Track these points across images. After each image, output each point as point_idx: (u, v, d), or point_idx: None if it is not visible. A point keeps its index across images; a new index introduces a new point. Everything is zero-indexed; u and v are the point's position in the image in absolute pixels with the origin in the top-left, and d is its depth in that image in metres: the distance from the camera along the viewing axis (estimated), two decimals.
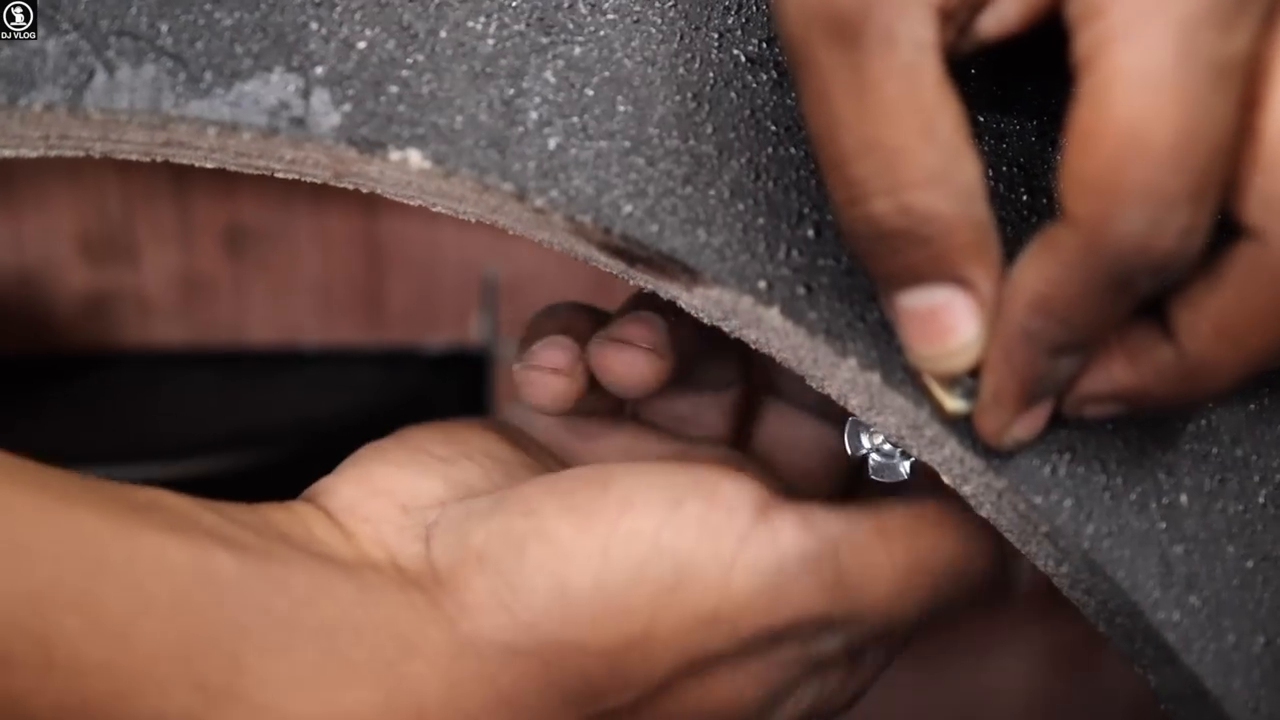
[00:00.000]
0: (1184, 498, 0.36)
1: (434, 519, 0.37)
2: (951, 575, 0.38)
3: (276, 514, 0.36)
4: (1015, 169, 0.38)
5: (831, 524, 0.37)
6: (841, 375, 0.36)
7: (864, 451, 0.39)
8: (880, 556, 0.37)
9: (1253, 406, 0.38)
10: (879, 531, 0.37)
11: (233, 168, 0.37)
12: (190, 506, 0.34)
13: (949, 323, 0.33)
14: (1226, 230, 0.31)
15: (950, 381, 0.34)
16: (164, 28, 0.36)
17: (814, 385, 0.36)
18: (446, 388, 0.71)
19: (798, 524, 0.36)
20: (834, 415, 0.43)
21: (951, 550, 0.38)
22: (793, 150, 0.37)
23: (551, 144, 0.36)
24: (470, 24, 0.37)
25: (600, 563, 0.35)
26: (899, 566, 0.37)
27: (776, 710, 0.38)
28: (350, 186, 0.37)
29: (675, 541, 0.35)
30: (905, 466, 0.38)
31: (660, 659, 0.35)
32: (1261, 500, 0.37)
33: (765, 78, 0.38)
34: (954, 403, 0.35)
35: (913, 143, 0.31)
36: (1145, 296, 0.32)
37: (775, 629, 0.36)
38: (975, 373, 0.34)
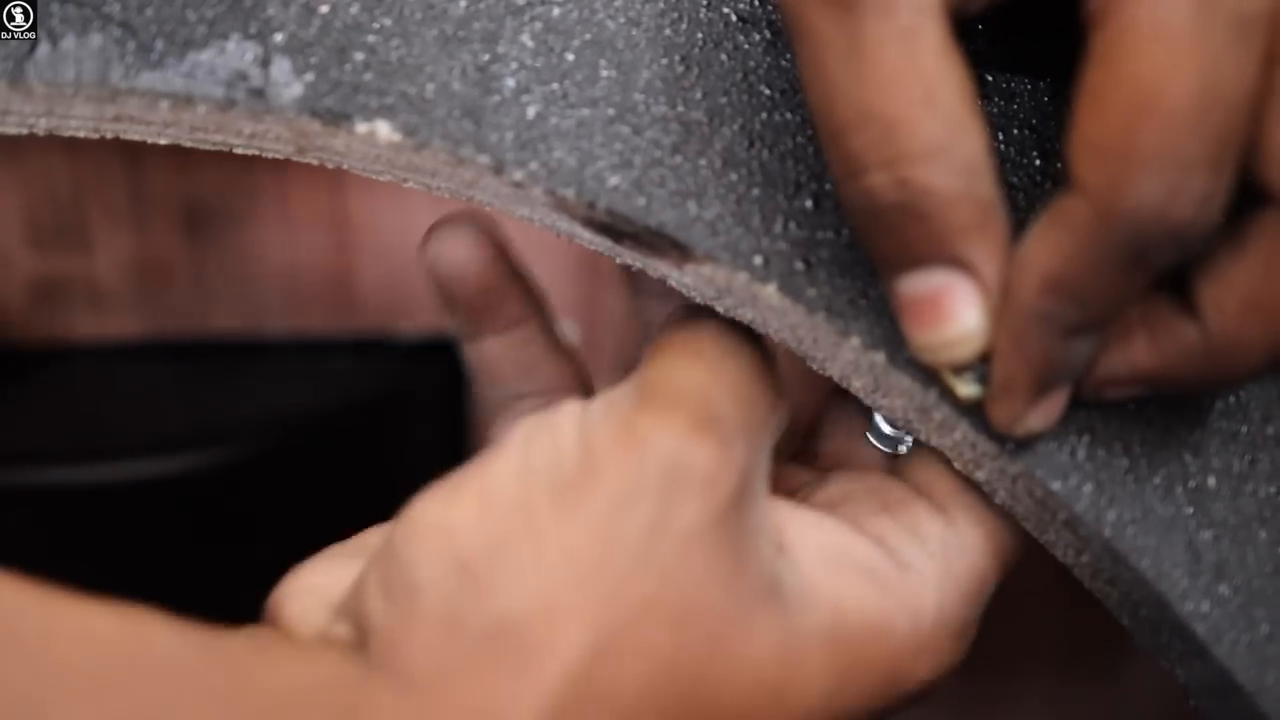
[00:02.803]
0: (1212, 480, 0.37)
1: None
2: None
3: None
4: (1026, 131, 0.38)
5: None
6: (844, 356, 0.36)
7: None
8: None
9: None
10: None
11: (188, 144, 0.37)
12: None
13: (948, 309, 0.33)
14: (1248, 197, 0.32)
15: (959, 366, 0.35)
16: None
17: (815, 367, 0.37)
18: (423, 379, 0.71)
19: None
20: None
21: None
22: (789, 115, 0.37)
23: (530, 113, 0.36)
24: None
25: (479, 519, 0.33)
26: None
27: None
28: (315, 162, 0.37)
29: (541, 458, 0.34)
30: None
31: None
32: None
33: (758, 38, 0.38)
34: (965, 388, 0.35)
35: (912, 113, 0.31)
36: (1163, 269, 0.32)
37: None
38: (987, 357, 0.34)
